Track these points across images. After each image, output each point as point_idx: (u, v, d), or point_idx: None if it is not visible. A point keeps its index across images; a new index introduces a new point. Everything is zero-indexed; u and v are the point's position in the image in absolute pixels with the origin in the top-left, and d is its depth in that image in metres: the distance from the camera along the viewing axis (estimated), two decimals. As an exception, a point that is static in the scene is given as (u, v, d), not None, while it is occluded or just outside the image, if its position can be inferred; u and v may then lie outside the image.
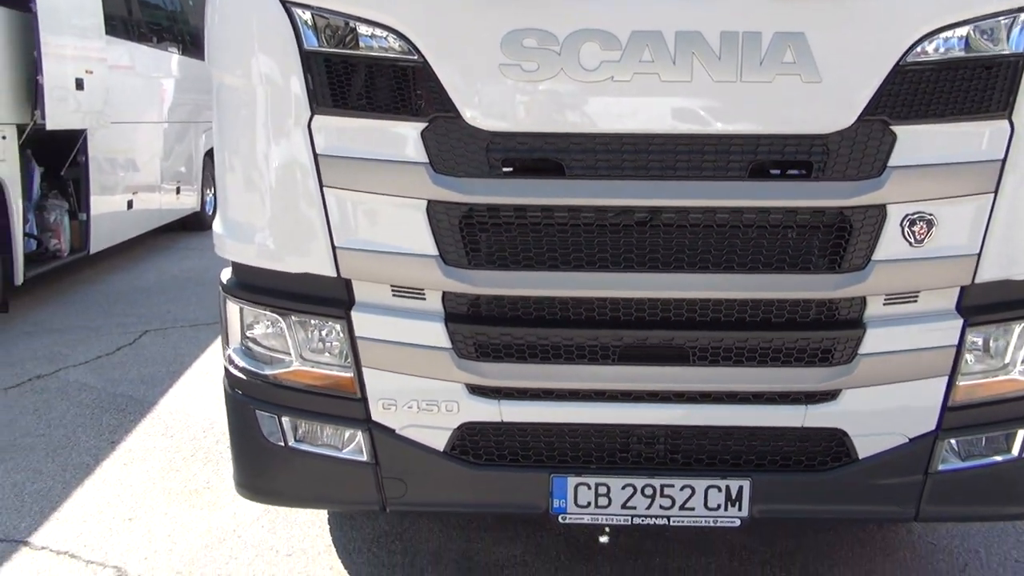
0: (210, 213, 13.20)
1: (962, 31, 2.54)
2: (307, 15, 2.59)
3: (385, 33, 2.57)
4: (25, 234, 7.60)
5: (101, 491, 4.27)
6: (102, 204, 8.97)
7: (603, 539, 3.82)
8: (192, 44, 11.97)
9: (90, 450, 4.75)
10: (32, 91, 7.35)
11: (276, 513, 3.99)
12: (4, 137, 7.08)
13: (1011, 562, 3.68)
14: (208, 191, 12.98)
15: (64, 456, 4.66)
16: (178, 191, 11.52)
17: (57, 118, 7.49)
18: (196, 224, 12.69)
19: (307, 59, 2.62)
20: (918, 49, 2.53)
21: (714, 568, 3.60)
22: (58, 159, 8.38)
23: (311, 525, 3.90)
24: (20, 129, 7.35)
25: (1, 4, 7.09)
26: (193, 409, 5.40)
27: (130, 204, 9.84)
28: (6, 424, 5.10)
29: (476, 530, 3.88)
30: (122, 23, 9.43)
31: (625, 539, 3.81)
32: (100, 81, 8.37)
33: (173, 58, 11.34)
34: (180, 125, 11.59)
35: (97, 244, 8.98)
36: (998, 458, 2.91)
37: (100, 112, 8.47)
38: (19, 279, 7.41)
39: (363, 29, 2.59)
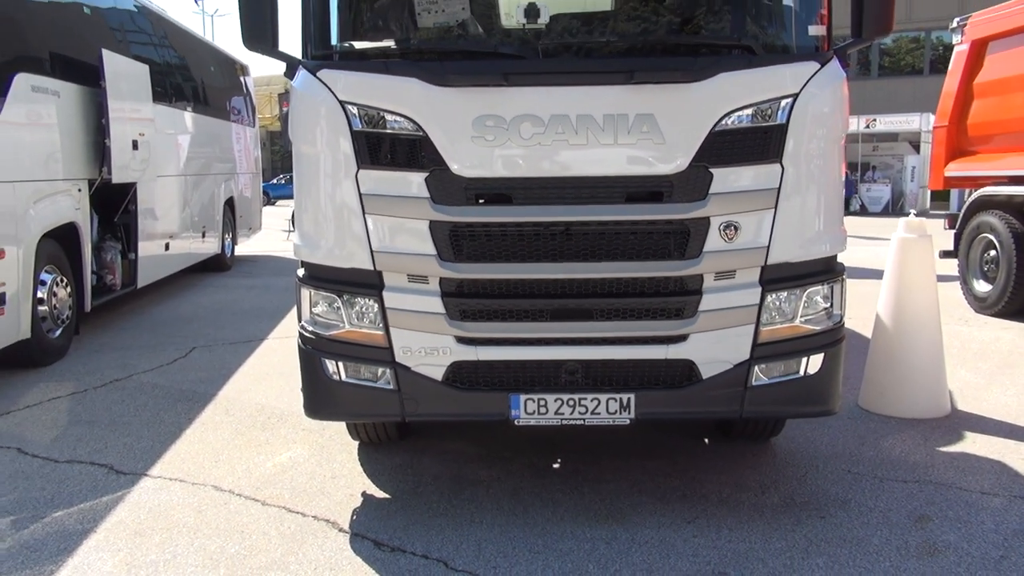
0: (229, 255, 14.58)
1: (749, 111, 3.76)
2: (355, 109, 3.82)
3: (403, 119, 3.77)
4: (89, 270, 8.85)
5: (189, 447, 5.57)
6: (146, 246, 10.27)
7: (555, 465, 5.08)
8: (208, 104, 13.20)
9: (174, 423, 6.07)
10: (98, 152, 8.67)
11: (321, 455, 5.31)
12: (80, 190, 8.38)
13: (841, 472, 4.92)
14: (227, 236, 14.33)
15: (155, 427, 5.97)
16: (204, 235, 12.78)
17: (119, 173, 8.81)
18: (216, 265, 13.93)
19: (355, 135, 3.83)
20: (723, 122, 3.73)
21: (630, 480, 4.81)
22: (106, 208, 9.60)
23: (347, 461, 5.18)
24: (90, 183, 8.65)
25: (77, 83, 8.37)
26: (245, 399, 6.70)
27: (167, 246, 11.15)
28: (105, 409, 6.44)
29: (465, 461, 5.13)
30: (159, 90, 10.73)
31: (570, 464, 5.04)
32: (149, 141, 9.73)
33: (198, 119, 12.60)
34: (204, 177, 12.83)
35: (143, 280, 10.28)
36: (790, 376, 4.04)
37: (149, 168, 9.80)
38: (88, 307, 8.71)
39: (389, 117, 3.79)
